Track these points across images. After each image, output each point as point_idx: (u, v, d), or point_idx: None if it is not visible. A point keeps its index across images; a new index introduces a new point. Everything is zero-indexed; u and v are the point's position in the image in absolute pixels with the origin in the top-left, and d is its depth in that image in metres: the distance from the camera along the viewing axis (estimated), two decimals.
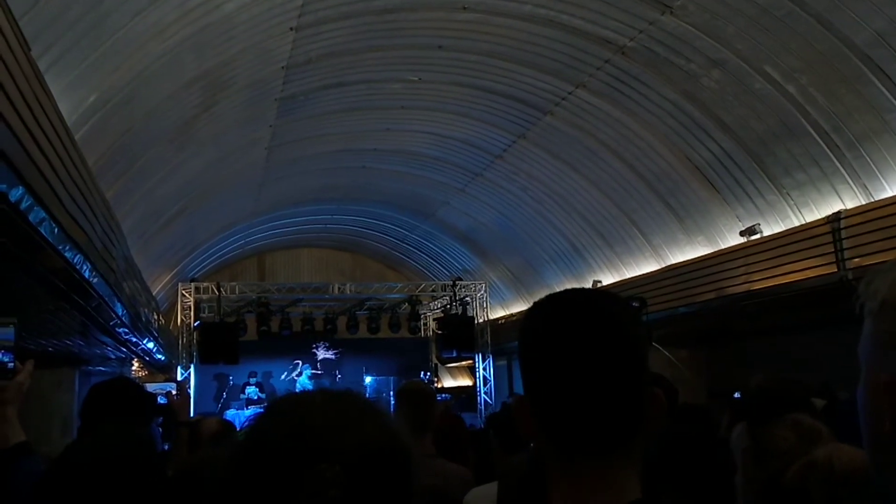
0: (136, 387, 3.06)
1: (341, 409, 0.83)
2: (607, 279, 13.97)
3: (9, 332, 2.13)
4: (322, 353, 19.07)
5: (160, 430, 3.67)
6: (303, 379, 18.65)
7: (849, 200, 8.54)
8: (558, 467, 1.04)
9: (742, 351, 11.62)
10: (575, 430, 1.02)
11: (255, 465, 0.78)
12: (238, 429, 4.28)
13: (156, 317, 12.69)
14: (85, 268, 5.46)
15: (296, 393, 0.89)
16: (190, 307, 16.53)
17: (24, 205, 3.84)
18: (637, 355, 1.05)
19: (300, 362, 18.85)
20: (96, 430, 2.11)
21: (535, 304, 1.13)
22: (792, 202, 9.44)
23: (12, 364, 2.10)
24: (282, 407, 0.85)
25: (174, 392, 3.38)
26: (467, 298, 17.75)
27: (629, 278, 13.00)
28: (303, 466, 0.76)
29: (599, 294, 1.12)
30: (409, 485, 0.83)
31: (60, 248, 4.67)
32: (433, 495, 2.60)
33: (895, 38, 7.22)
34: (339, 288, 17.62)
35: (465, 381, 21.19)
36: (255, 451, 0.80)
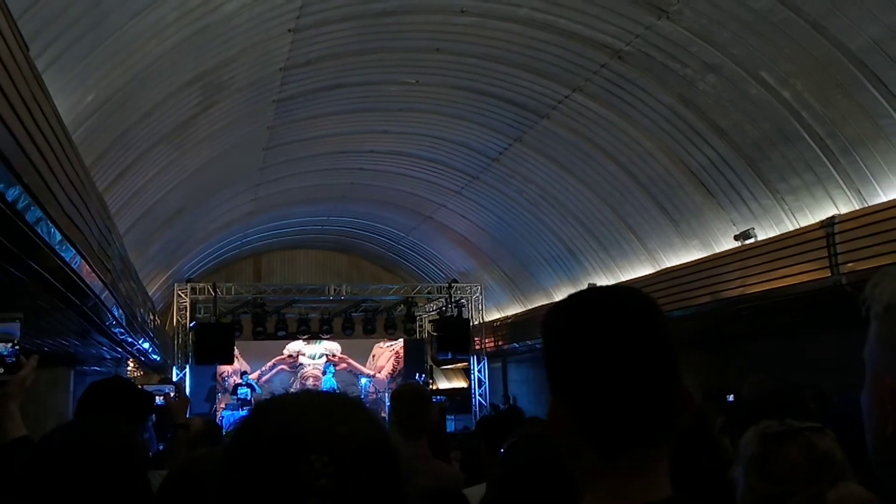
0: (132, 387, 3.08)
1: (328, 405, 0.86)
2: (602, 282, 13.99)
3: (14, 327, 2.15)
4: (308, 361, 18.82)
5: (153, 430, 3.69)
6: (328, 378, 18.54)
7: (843, 205, 8.58)
8: (595, 465, 1.04)
9: (736, 354, 11.65)
10: (616, 425, 1.03)
11: (246, 462, 0.80)
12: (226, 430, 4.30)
13: (151, 317, 12.67)
14: (81, 267, 5.46)
15: (280, 394, 0.91)
16: (186, 308, 16.51)
17: (21, 204, 3.84)
18: (674, 350, 1.07)
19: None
20: (77, 421, 2.12)
21: (564, 302, 1.12)
22: (786, 207, 9.48)
23: (13, 358, 2.12)
24: (268, 406, 0.88)
25: (172, 393, 3.39)
26: (463, 301, 17.76)
27: (624, 281, 13.03)
28: (293, 459, 0.78)
29: (631, 290, 1.13)
30: (399, 478, 0.84)
31: (57, 247, 4.68)
32: (431, 496, 2.61)
33: (890, 45, 7.26)
34: (335, 289, 17.62)
35: (461, 384, 21.20)
36: (244, 448, 0.82)
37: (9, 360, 2.11)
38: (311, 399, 0.88)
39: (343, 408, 0.87)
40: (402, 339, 19.07)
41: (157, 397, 3.61)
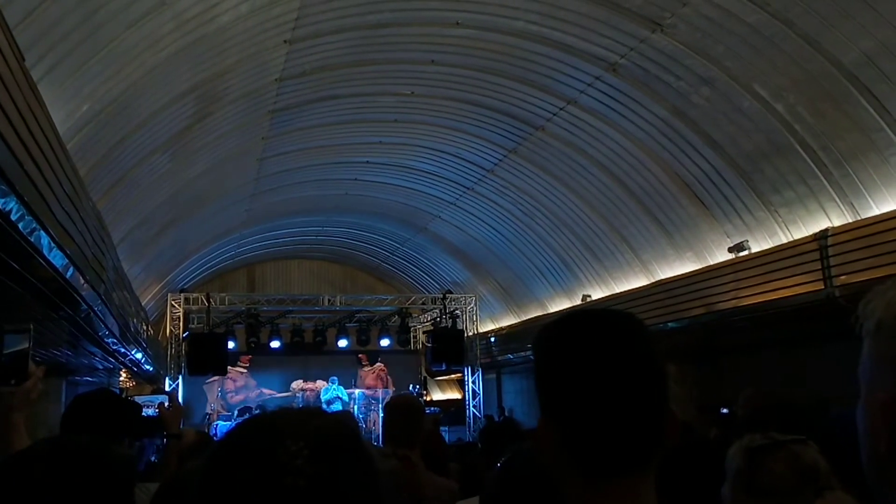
0: (117, 399, 3.06)
1: (302, 410, 0.98)
2: (596, 294, 14.01)
3: (22, 339, 2.13)
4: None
5: (145, 441, 3.66)
6: (334, 386, 18.46)
7: (836, 218, 8.62)
8: (581, 488, 1.04)
9: (730, 366, 11.66)
10: (603, 449, 1.03)
11: (229, 452, 0.89)
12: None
13: (145, 327, 12.62)
14: (75, 277, 5.44)
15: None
16: (179, 318, 16.45)
17: (14, 215, 3.84)
18: (662, 373, 1.07)
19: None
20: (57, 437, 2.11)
21: (554, 323, 1.12)
22: (780, 219, 9.52)
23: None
24: (249, 418, 1.00)
25: (166, 404, 3.36)
26: (457, 311, 17.74)
27: (618, 293, 13.04)
28: (272, 445, 0.87)
29: (621, 315, 1.13)
30: (368, 467, 0.92)
31: (51, 257, 4.66)
32: None
33: (882, 59, 7.32)
34: (329, 300, 17.58)
35: (454, 395, 21.14)
36: (228, 444, 0.92)
37: None
38: (288, 407, 1.00)
39: (315, 409, 0.99)
40: (379, 364, 19.38)
41: (148, 408, 3.59)
